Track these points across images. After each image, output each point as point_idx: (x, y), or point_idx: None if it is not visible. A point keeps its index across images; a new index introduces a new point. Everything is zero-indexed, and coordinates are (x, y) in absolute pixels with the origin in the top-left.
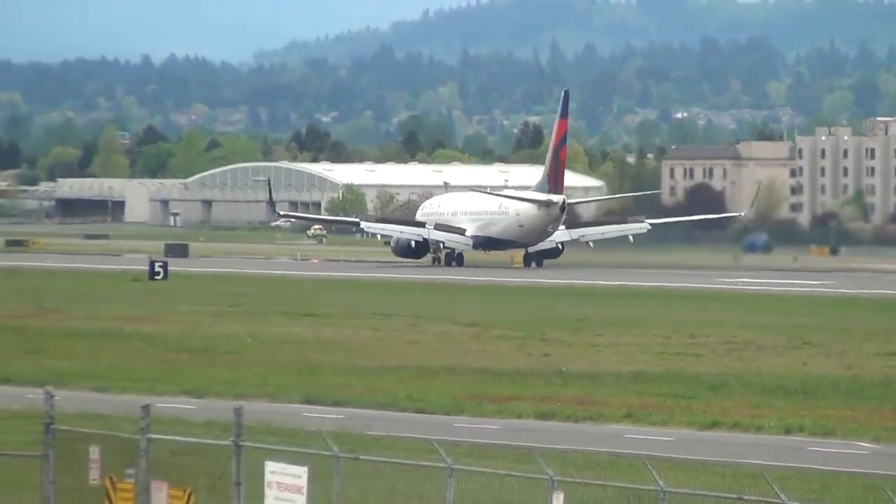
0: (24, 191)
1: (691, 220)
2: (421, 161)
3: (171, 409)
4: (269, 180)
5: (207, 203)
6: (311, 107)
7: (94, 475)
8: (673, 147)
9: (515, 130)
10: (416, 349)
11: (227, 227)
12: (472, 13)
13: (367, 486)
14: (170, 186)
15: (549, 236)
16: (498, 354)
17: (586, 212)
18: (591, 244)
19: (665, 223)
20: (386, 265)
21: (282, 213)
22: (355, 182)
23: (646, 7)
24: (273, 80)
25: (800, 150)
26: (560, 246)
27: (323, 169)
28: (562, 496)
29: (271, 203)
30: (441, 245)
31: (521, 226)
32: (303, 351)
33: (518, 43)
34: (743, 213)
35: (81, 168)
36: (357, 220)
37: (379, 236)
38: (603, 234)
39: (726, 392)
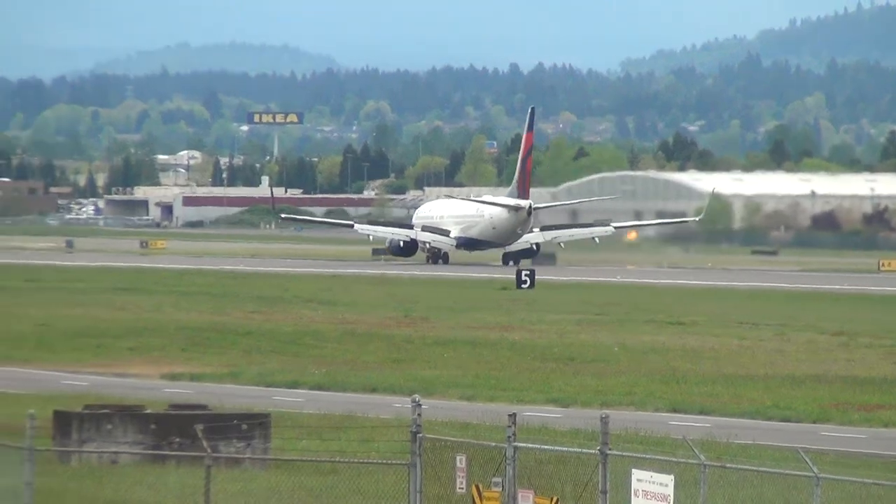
0: (392, 199)
1: (650, 224)
2: (788, 170)
3: (537, 417)
4: (270, 186)
5: (574, 213)
6: (678, 116)
7: (460, 484)
8: None
9: (882, 139)
10: (783, 358)
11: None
12: (839, 22)
13: (734, 494)
14: (536, 195)
15: (519, 237)
16: (865, 363)
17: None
18: (562, 245)
19: (628, 226)
20: (746, 270)
21: (283, 215)
22: (722, 191)
23: None
24: (640, 89)
25: None
26: (535, 246)
27: (690, 178)
28: None
29: (273, 205)
30: (427, 245)
31: (494, 228)
32: (669, 359)
33: (885, 52)
34: (698, 219)
35: (448, 177)
36: (351, 223)
37: (370, 237)
38: (572, 236)
39: None
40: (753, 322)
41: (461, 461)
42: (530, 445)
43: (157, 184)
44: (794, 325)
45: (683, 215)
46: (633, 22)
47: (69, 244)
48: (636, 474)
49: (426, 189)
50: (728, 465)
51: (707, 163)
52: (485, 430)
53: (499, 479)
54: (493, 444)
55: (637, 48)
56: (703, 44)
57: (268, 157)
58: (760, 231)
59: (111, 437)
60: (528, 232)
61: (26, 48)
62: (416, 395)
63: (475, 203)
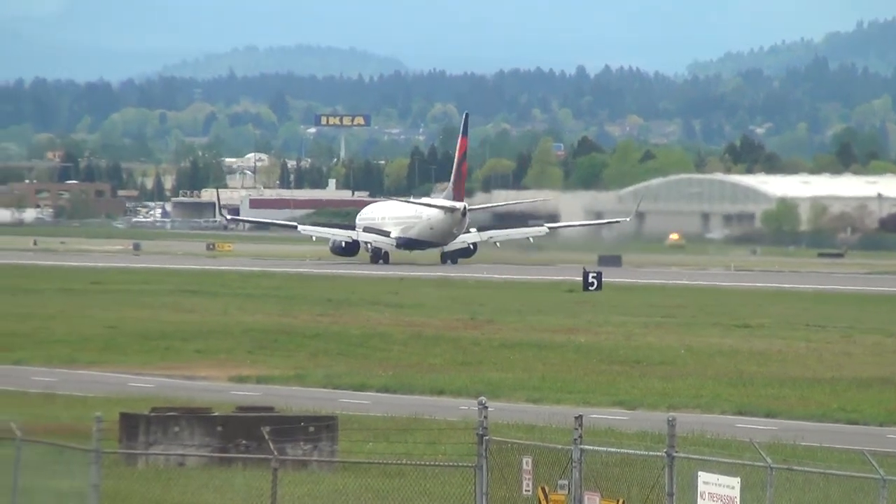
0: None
1: (581, 225)
2: (854, 173)
3: (603, 419)
4: (217, 190)
5: (641, 215)
6: (745, 118)
7: (526, 486)
8: None
9: None
10: (850, 360)
11: (659, 239)
12: None
13: (800, 497)
14: (603, 198)
15: (455, 237)
16: None
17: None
18: (498, 244)
19: (561, 227)
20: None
21: (229, 216)
22: (789, 194)
23: None
24: (707, 92)
25: None
26: (472, 246)
27: (757, 181)
28: None
29: (219, 207)
30: (369, 245)
31: (432, 228)
32: (735, 362)
33: None
34: (628, 219)
35: (516, 180)
36: (295, 224)
37: (314, 238)
38: (508, 236)
39: None
40: (820, 325)
41: (527, 463)
42: (597, 448)
43: (225, 186)
44: (861, 328)
45: (751, 217)
46: (700, 25)
47: (136, 247)
48: (702, 477)
49: (493, 192)
50: (794, 467)
51: (774, 165)
52: (551, 433)
53: (565, 482)
54: (560, 446)
55: (704, 51)
56: (771, 46)
57: (334, 160)
58: (827, 233)
59: (178, 439)
60: (465, 232)
61: (94, 51)
62: (483, 398)
63: (414, 205)
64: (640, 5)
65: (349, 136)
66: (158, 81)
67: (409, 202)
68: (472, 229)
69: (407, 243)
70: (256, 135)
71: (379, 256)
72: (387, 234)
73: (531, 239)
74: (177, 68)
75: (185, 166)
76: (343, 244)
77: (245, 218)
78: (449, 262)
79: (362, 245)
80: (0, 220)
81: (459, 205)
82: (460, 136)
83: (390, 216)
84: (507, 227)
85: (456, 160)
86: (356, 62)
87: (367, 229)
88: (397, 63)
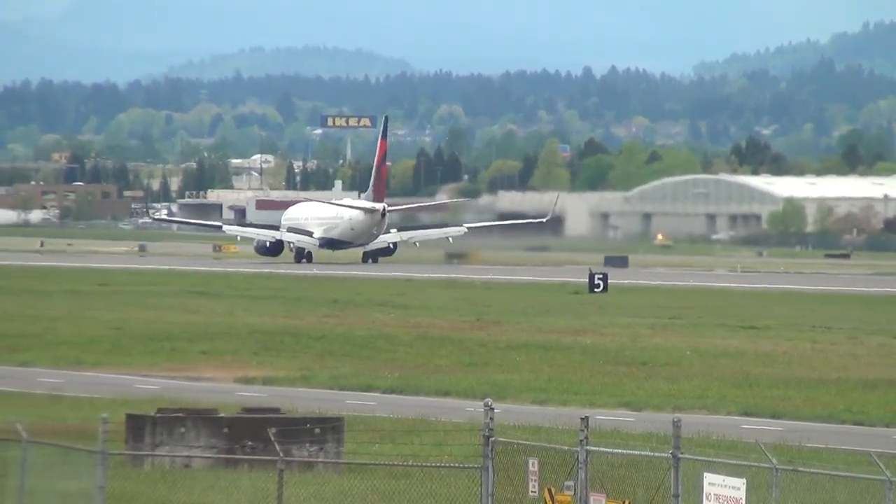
0: (466, 204)
1: (501, 225)
2: (861, 174)
3: (609, 421)
4: (146, 196)
5: (647, 216)
6: (752, 119)
7: (532, 487)
8: None
9: None
10: (855, 362)
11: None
12: None
13: (805, 498)
14: (610, 199)
15: (375, 237)
16: None
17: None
18: (417, 244)
19: (480, 227)
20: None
21: (154, 216)
22: (795, 195)
23: None
24: (713, 93)
25: None
26: (392, 245)
27: (763, 182)
28: None
29: (146, 205)
30: (292, 245)
31: (353, 229)
32: (741, 363)
33: None
34: (545, 219)
35: (522, 181)
36: (220, 224)
37: (239, 238)
38: (428, 236)
39: None
40: (826, 326)
41: (533, 465)
42: (603, 449)
43: (231, 188)
44: (867, 329)
45: (757, 218)
46: (706, 26)
47: (142, 248)
48: (708, 478)
49: (499, 193)
50: (800, 468)
51: (780, 167)
52: (557, 434)
53: (571, 483)
54: (566, 447)
55: (710, 52)
56: (777, 48)
57: (341, 161)
58: (833, 234)
59: (184, 440)
60: (386, 232)
61: (101, 52)
62: (489, 399)
63: (335, 206)
64: (646, 6)
65: (355, 138)
66: (164, 82)
67: (331, 203)
68: (392, 229)
69: (329, 243)
70: (262, 136)
71: (302, 256)
72: (310, 234)
73: (450, 239)
74: (183, 69)
75: (191, 167)
76: (267, 244)
77: (171, 218)
78: (370, 261)
79: (286, 245)
80: (6, 221)
81: (379, 206)
82: (380, 139)
83: (313, 217)
84: (427, 228)
85: (375, 162)
86: (362, 63)
87: (290, 230)
88: (404, 64)
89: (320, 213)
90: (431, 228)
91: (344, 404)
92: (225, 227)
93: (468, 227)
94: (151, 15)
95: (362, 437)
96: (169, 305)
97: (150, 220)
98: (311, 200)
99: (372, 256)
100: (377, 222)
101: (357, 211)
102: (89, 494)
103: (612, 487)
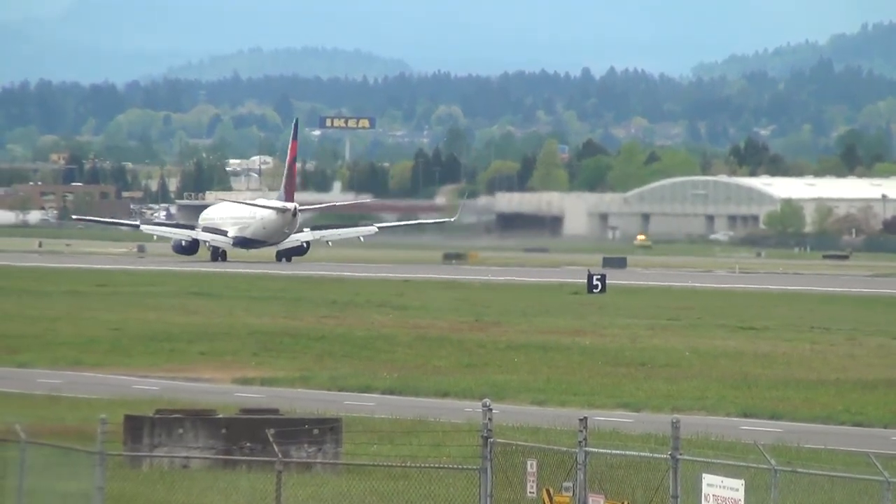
0: (464, 205)
1: (409, 224)
2: (859, 175)
3: (608, 422)
4: (87, 200)
5: (646, 216)
6: (750, 120)
7: (530, 488)
8: None
9: None
10: (854, 363)
11: (665, 241)
12: None
13: (804, 499)
14: (608, 200)
15: (287, 236)
16: None
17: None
18: (329, 243)
19: (390, 226)
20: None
21: (74, 216)
22: (793, 196)
23: None
24: (712, 94)
25: None
26: (305, 245)
27: (761, 183)
28: None
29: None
30: (207, 244)
31: (265, 228)
32: (740, 364)
33: None
34: (454, 219)
35: (520, 182)
36: (137, 223)
37: (155, 237)
38: (340, 235)
39: None
40: (825, 327)
41: (532, 466)
42: (601, 450)
43: (229, 188)
44: (866, 330)
45: (755, 219)
46: (704, 27)
47: (141, 248)
48: (707, 479)
49: (497, 194)
50: (799, 469)
51: (779, 167)
52: (556, 435)
53: (569, 484)
54: (564, 448)
55: (709, 53)
56: (776, 48)
57: (339, 162)
58: (832, 235)
59: (182, 441)
60: (298, 231)
61: (99, 53)
62: (487, 400)
63: (249, 206)
64: (645, 7)
65: (354, 139)
66: (163, 83)
67: (244, 203)
68: (305, 229)
69: (243, 242)
70: (261, 137)
71: (217, 254)
72: (224, 233)
73: (361, 238)
74: (181, 70)
75: (190, 168)
76: (183, 243)
77: (87, 217)
78: (284, 259)
79: (202, 244)
80: (5, 221)
81: (290, 205)
82: (291, 139)
83: (228, 216)
84: (339, 227)
85: (287, 162)
86: (361, 64)
87: (206, 229)
88: (402, 65)
89: (234, 213)
90: (343, 227)
91: (343, 405)
92: (143, 227)
93: (378, 227)
94: (151, 15)
95: (361, 438)
96: (168, 306)
97: (73, 220)
98: (224, 200)
99: (285, 255)
100: (288, 222)
101: (269, 210)
102: (88, 495)
103: (610, 488)
